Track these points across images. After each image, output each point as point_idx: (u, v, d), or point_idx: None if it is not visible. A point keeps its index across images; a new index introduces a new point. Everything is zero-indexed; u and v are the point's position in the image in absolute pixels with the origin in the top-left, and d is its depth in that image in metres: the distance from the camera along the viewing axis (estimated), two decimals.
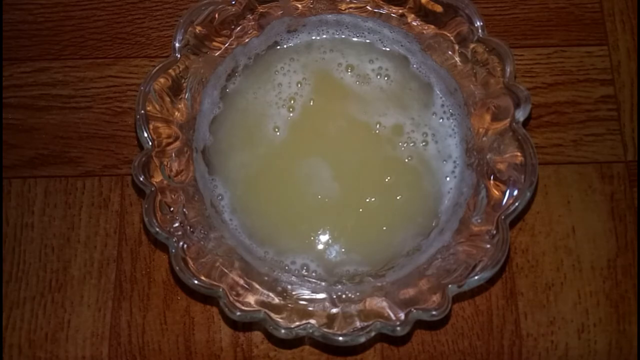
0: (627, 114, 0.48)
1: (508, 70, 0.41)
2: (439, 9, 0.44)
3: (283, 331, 0.36)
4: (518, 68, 0.48)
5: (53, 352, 0.42)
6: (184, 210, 0.40)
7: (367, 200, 0.44)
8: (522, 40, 0.49)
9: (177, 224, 0.39)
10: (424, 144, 0.45)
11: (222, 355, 0.42)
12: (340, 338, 0.36)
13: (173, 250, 0.37)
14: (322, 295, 0.39)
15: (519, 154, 0.40)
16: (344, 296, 0.39)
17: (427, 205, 0.44)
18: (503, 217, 0.38)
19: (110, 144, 0.47)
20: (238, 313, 0.37)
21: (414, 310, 0.36)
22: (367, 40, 0.48)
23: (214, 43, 0.44)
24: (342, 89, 0.47)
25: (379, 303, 0.38)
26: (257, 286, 0.39)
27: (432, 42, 0.45)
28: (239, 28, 0.45)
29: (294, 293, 0.39)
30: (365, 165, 0.45)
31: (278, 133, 0.45)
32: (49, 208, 0.45)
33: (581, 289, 0.44)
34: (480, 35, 0.42)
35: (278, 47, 0.47)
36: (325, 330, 0.36)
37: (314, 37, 0.48)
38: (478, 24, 0.42)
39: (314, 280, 0.42)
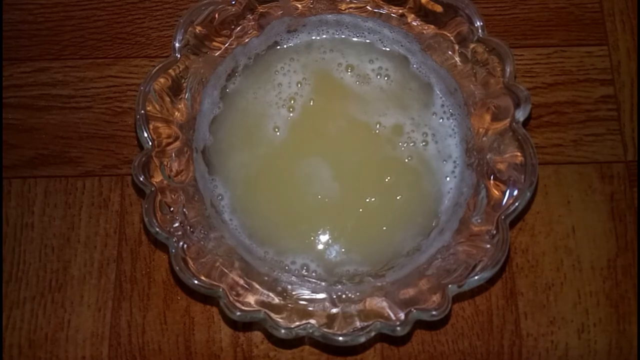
0: (627, 114, 0.48)
1: (508, 70, 0.41)
2: (439, 9, 0.44)
3: (283, 331, 0.36)
4: (518, 68, 0.48)
5: (53, 352, 0.42)
6: (184, 210, 0.40)
7: (367, 200, 0.44)
8: (522, 40, 0.49)
9: (177, 224, 0.39)
10: (424, 144, 0.45)
11: (222, 355, 0.42)
12: (340, 338, 0.36)
13: (173, 250, 0.37)
14: (322, 295, 0.39)
15: (519, 154, 0.40)
16: (344, 296, 0.39)
17: (427, 205, 0.44)
18: (503, 217, 0.38)
19: (110, 144, 0.47)
20: (238, 313, 0.37)
21: (414, 310, 0.36)
22: (367, 40, 0.48)
23: (214, 43, 0.44)
24: (342, 89, 0.47)
25: (379, 303, 0.38)
26: (257, 286, 0.39)
27: (432, 42, 0.45)
28: (239, 28, 0.45)
29: (294, 293, 0.39)
30: (365, 165, 0.45)
31: (278, 133, 0.45)
32: (49, 208, 0.45)
33: (581, 289, 0.44)
34: (480, 35, 0.42)
35: (278, 47, 0.47)
36: (325, 330, 0.36)
37: (314, 37, 0.48)
38: (478, 24, 0.42)
39: (314, 280, 0.42)
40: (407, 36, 0.46)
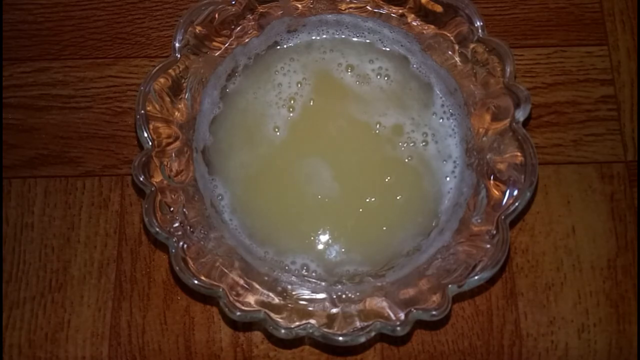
0: (627, 114, 0.48)
1: (508, 70, 0.41)
2: (439, 9, 0.44)
3: (283, 331, 0.36)
4: (518, 68, 0.48)
5: (53, 352, 0.42)
6: (184, 210, 0.40)
7: (367, 200, 0.44)
8: (522, 40, 0.49)
9: (177, 224, 0.39)
10: (424, 144, 0.45)
11: (222, 355, 0.42)
12: (340, 338, 0.36)
13: (173, 250, 0.37)
14: (322, 295, 0.39)
15: (519, 154, 0.40)
16: (344, 296, 0.39)
17: (427, 205, 0.44)
18: (503, 217, 0.38)
19: (110, 144, 0.47)
20: (238, 313, 0.37)
21: (414, 310, 0.36)
22: (367, 40, 0.48)
23: (214, 43, 0.44)
24: (342, 89, 0.47)
25: (379, 303, 0.38)
26: (257, 286, 0.39)
27: (432, 42, 0.45)
28: (239, 28, 0.45)
29: (294, 293, 0.39)
30: (365, 165, 0.45)
31: (278, 133, 0.45)
32: (49, 208, 0.45)
33: (581, 289, 0.44)
34: (480, 35, 0.42)
35: (278, 47, 0.47)
36: (325, 330, 0.36)
37: (314, 37, 0.48)
38: (478, 24, 0.42)
39: (314, 280, 0.42)
40: (407, 36, 0.46)
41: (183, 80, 0.43)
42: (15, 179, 0.46)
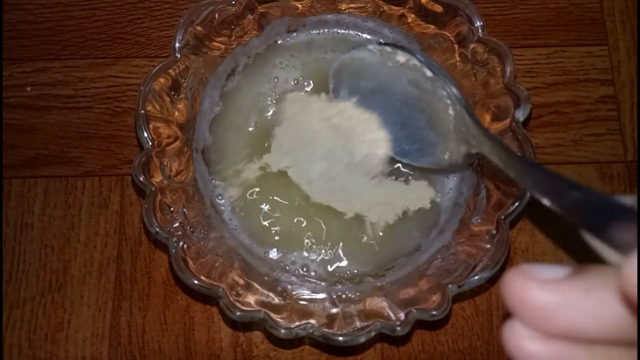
0: (627, 114, 0.48)
1: (508, 70, 0.41)
2: (439, 9, 0.44)
3: (283, 331, 0.36)
4: (518, 68, 0.48)
5: (53, 352, 0.42)
6: (184, 210, 0.40)
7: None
8: (522, 40, 0.49)
9: (177, 224, 0.39)
10: None
11: (222, 355, 0.42)
12: (340, 338, 0.36)
13: (173, 250, 0.37)
14: (322, 295, 0.39)
15: (519, 154, 0.40)
16: (344, 296, 0.39)
17: (427, 205, 0.44)
18: (503, 217, 0.38)
19: (110, 144, 0.47)
20: (238, 313, 0.37)
21: (414, 310, 0.36)
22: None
23: (214, 43, 0.44)
24: None
25: (379, 303, 0.38)
26: (257, 286, 0.39)
27: (432, 42, 0.45)
28: (239, 28, 0.45)
29: (294, 293, 0.39)
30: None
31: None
32: (49, 208, 0.45)
33: None
34: (480, 35, 0.42)
35: (279, 42, 0.47)
36: (325, 330, 0.36)
37: (314, 37, 0.48)
38: (478, 24, 0.42)
39: (314, 280, 0.42)
40: (407, 36, 0.46)
41: (183, 80, 0.43)
42: (15, 179, 0.46)
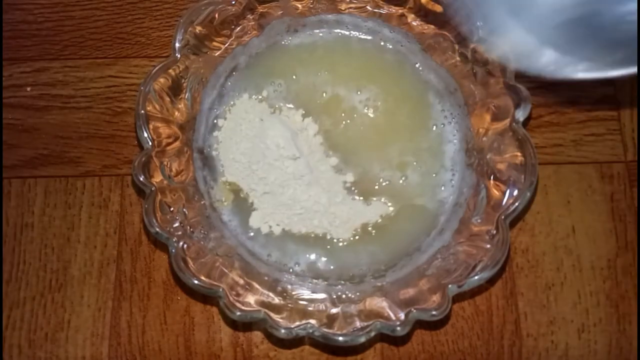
0: (627, 114, 0.48)
1: (508, 70, 0.41)
2: (439, 9, 0.44)
3: (283, 331, 0.36)
4: None
5: (53, 352, 0.42)
6: (184, 210, 0.40)
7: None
8: None
9: (177, 224, 0.39)
10: None
11: (222, 355, 0.42)
12: (340, 338, 0.36)
13: (173, 250, 0.37)
14: (322, 295, 0.39)
15: (519, 154, 0.40)
16: (344, 296, 0.39)
17: (427, 205, 0.44)
18: (503, 217, 0.38)
19: (110, 144, 0.47)
20: (238, 313, 0.37)
21: (414, 310, 0.36)
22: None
23: (214, 43, 0.44)
24: None
25: (379, 303, 0.38)
26: (257, 286, 0.39)
27: (432, 42, 0.45)
28: (239, 28, 0.45)
29: (294, 293, 0.39)
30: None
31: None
32: (49, 208, 0.45)
33: (581, 289, 0.44)
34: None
35: (281, 42, 0.47)
36: (325, 330, 0.36)
37: (314, 37, 0.48)
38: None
39: (314, 280, 0.42)
40: (407, 36, 0.46)
41: (183, 80, 0.43)
42: (15, 179, 0.46)
